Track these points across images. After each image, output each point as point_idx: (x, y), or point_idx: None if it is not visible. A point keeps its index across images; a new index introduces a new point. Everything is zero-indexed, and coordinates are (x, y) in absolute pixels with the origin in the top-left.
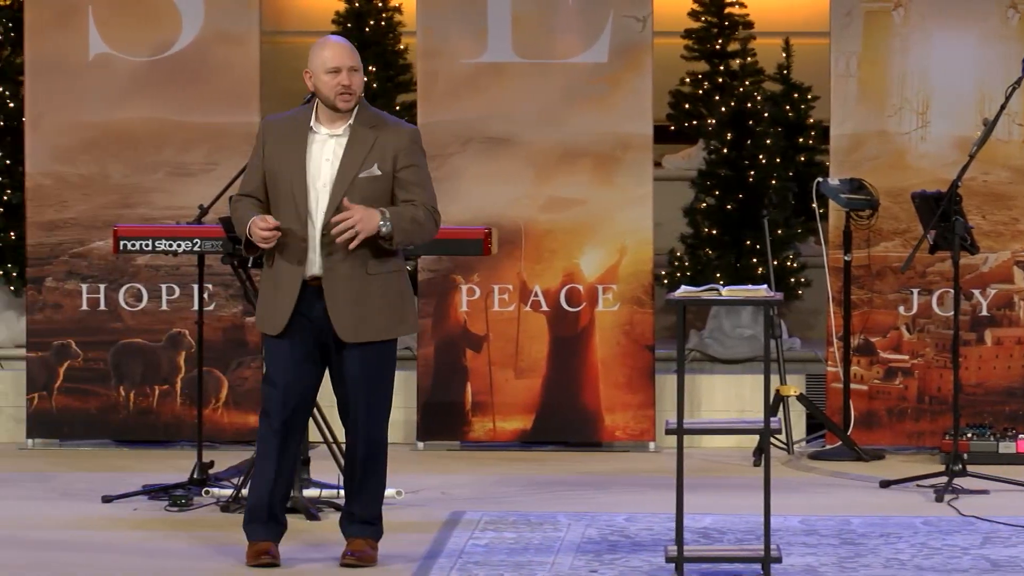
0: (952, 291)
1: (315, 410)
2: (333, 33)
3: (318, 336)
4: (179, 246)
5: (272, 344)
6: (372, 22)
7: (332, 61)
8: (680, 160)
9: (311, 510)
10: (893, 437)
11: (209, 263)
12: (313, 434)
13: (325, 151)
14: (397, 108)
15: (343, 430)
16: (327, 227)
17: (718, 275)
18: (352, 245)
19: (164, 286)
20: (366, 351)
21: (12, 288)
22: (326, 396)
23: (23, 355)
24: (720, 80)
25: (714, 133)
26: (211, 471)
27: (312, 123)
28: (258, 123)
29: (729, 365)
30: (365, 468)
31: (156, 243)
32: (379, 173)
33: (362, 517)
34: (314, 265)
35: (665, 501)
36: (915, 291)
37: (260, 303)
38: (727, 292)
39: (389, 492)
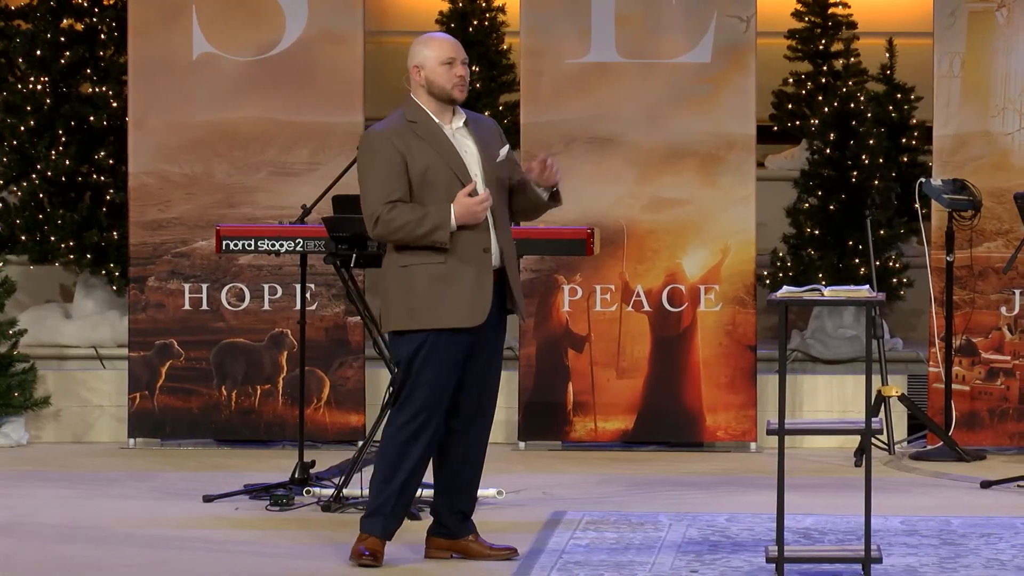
0: None
1: None
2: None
3: (481, 328)
4: (282, 246)
5: (444, 339)
6: (476, 22)
7: (447, 52)
8: (783, 160)
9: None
10: (994, 437)
11: (312, 263)
12: None
13: (459, 144)
14: (500, 108)
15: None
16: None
17: (820, 275)
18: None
19: (267, 286)
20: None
21: (115, 288)
22: None
23: (125, 355)
24: (823, 80)
25: (817, 133)
26: (312, 471)
27: (438, 120)
28: (362, 123)
29: (831, 365)
30: (481, 460)
31: (259, 243)
32: (505, 156)
33: (470, 512)
34: (497, 254)
35: (766, 501)
36: (1017, 292)
37: (427, 297)
38: (829, 292)
39: (490, 492)
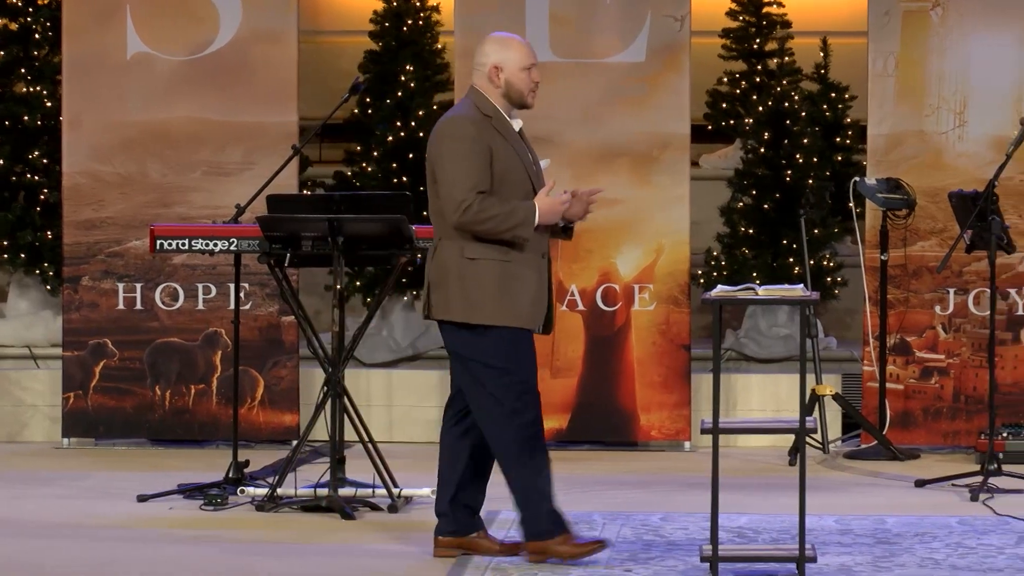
0: (988, 290)
1: (352, 408)
2: (371, 32)
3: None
4: (216, 245)
5: (521, 338)
6: (410, 21)
7: (528, 58)
8: (717, 159)
9: (346, 509)
10: (928, 436)
11: (245, 262)
12: (349, 433)
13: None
14: (435, 108)
15: None
16: None
17: (755, 274)
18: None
19: (200, 285)
20: None
21: (49, 287)
22: (361, 394)
23: (59, 354)
24: (758, 79)
25: (751, 132)
26: (246, 470)
27: (508, 120)
28: (296, 122)
29: (765, 364)
30: None
31: (193, 242)
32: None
33: (479, 508)
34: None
35: (700, 501)
36: (951, 290)
37: (502, 297)
38: (763, 292)
39: (425, 491)
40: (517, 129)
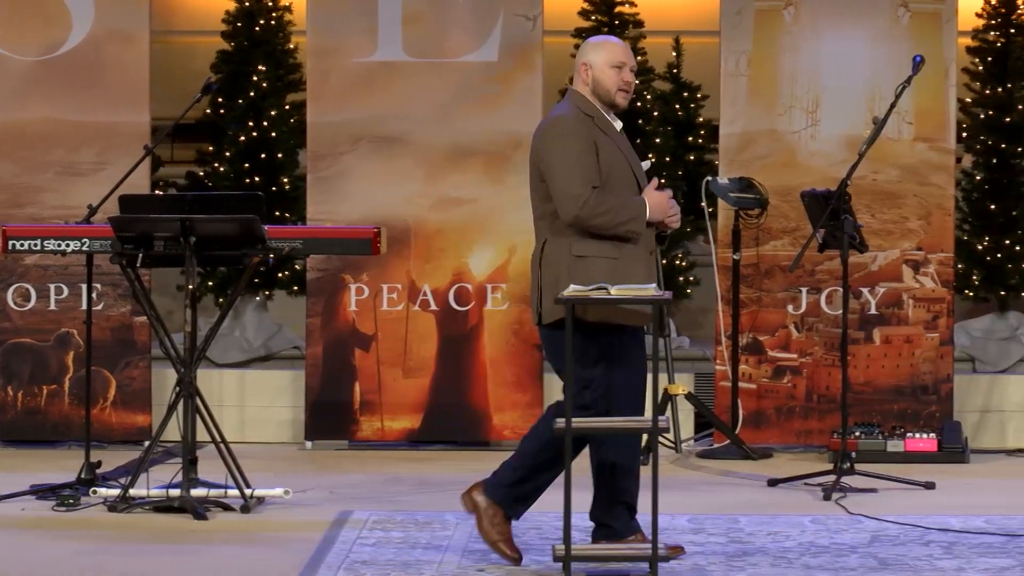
0: (841, 290)
1: (205, 409)
2: (224, 32)
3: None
4: (68, 246)
5: (633, 336)
6: (262, 21)
7: (618, 56)
8: None
9: (199, 509)
10: (781, 436)
11: (98, 263)
12: (201, 434)
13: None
14: (287, 107)
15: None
16: None
17: None
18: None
19: (53, 286)
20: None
21: None
22: (213, 395)
23: None
24: None
25: None
26: (99, 471)
27: (608, 119)
28: (148, 123)
29: None
30: None
31: (45, 243)
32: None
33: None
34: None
35: (553, 500)
36: (804, 290)
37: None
38: (616, 291)
39: (277, 491)
40: (619, 129)
